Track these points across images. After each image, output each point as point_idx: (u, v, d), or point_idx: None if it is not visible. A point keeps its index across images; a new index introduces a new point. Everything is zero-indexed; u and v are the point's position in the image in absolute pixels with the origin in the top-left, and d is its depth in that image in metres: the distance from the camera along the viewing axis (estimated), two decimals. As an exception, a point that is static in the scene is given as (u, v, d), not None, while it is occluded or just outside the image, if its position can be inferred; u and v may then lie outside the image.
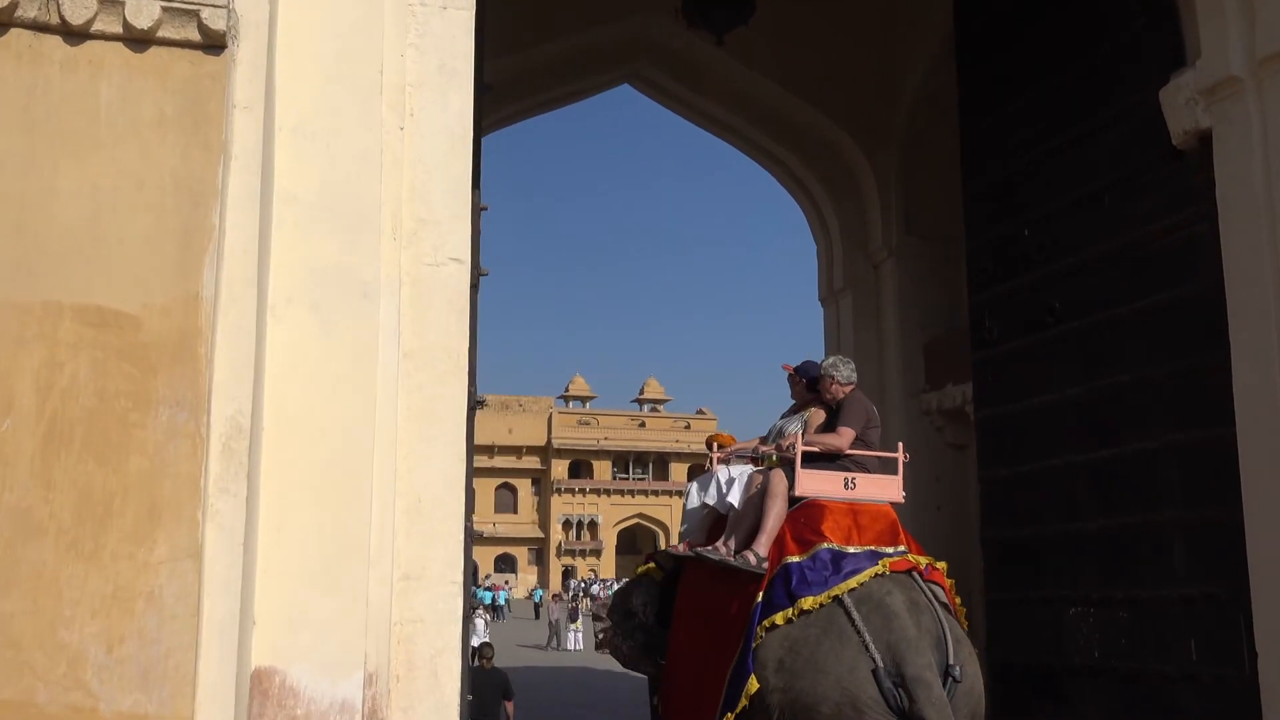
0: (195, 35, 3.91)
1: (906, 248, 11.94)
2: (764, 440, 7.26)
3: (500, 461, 72.45)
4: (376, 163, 4.68)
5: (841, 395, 6.83)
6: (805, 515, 6.32)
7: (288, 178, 4.55)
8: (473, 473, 8.40)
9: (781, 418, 7.38)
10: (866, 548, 6.07)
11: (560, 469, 74.74)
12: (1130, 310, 7.42)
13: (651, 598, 7.35)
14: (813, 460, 6.54)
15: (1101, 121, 7.66)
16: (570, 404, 79.11)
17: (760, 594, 6.06)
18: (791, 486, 6.44)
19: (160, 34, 3.90)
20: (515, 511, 75.23)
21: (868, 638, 5.63)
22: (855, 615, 5.72)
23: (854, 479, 6.48)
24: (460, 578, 4.62)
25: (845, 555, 6.00)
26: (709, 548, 6.63)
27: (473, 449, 8.42)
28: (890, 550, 6.12)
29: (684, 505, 7.54)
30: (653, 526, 74.28)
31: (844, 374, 6.85)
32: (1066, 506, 7.98)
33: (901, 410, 11.75)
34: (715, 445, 7.52)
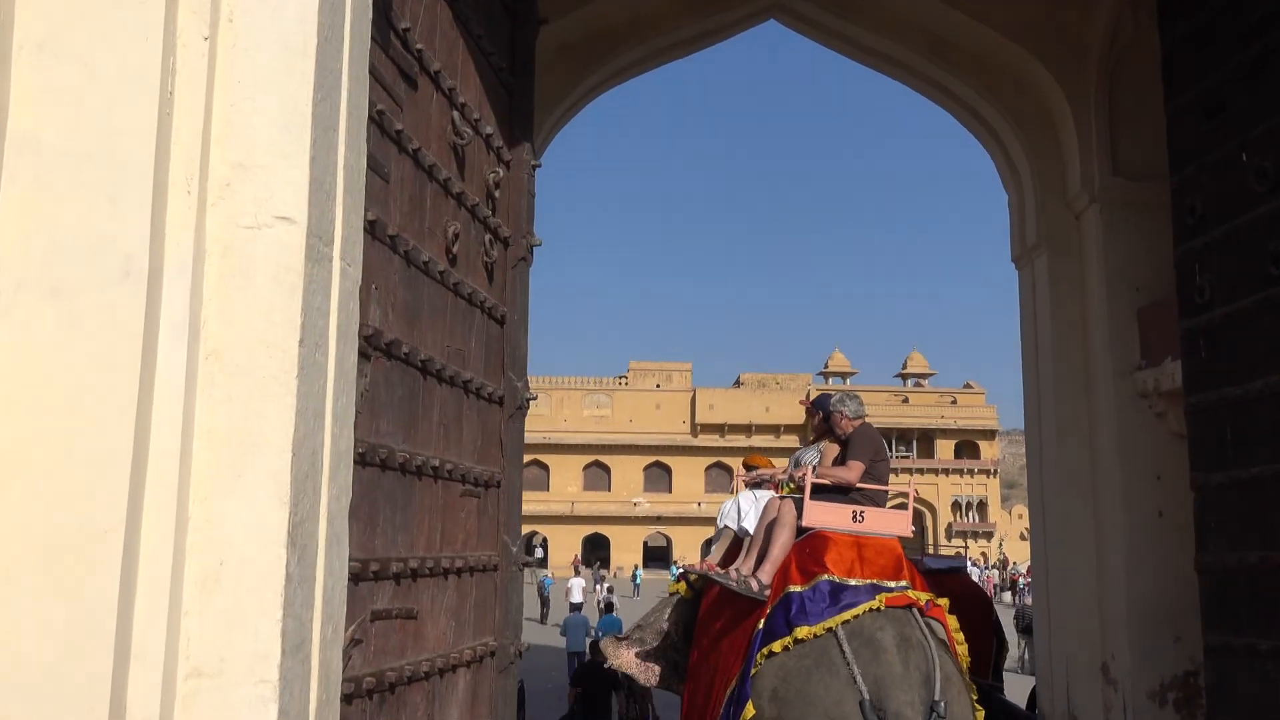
0: None
1: (1113, 191, 9.59)
2: (787, 468, 7.43)
3: (758, 440, 71.09)
4: (156, 86, 3.33)
5: (850, 429, 6.85)
6: (810, 546, 6.40)
7: (28, 115, 3.29)
8: (521, 477, 7.28)
9: (802, 448, 7.64)
10: (868, 581, 6.15)
11: (819, 447, 72.80)
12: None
13: (682, 617, 7.46)
14: (823, 492, 6.57)
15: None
16: (830, 380, 77.14)
17: (762, 621, 6.22)
18: (800, 517, 6.51)
19: None
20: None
21: (856, 671, 5.76)
22: (846, 649, 5.84)
23: (862, 512, 6.46)
24: (275, 674, 3.23)
25: (845, 588, 6.10)
26: (721, 571, 6.74)
27: (521, 453, 7.19)
28: (892, 585, 6.17)
29: (717, 523, 7.73)
30: (919, 506, 71.35)
31: (852, 409, 6.93)
32: (1305, 528, 5.80)
33: (1110, 391, 9.49)
34: (747, 466, 7.72)
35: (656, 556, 69.45)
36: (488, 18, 6.39)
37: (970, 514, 71.85)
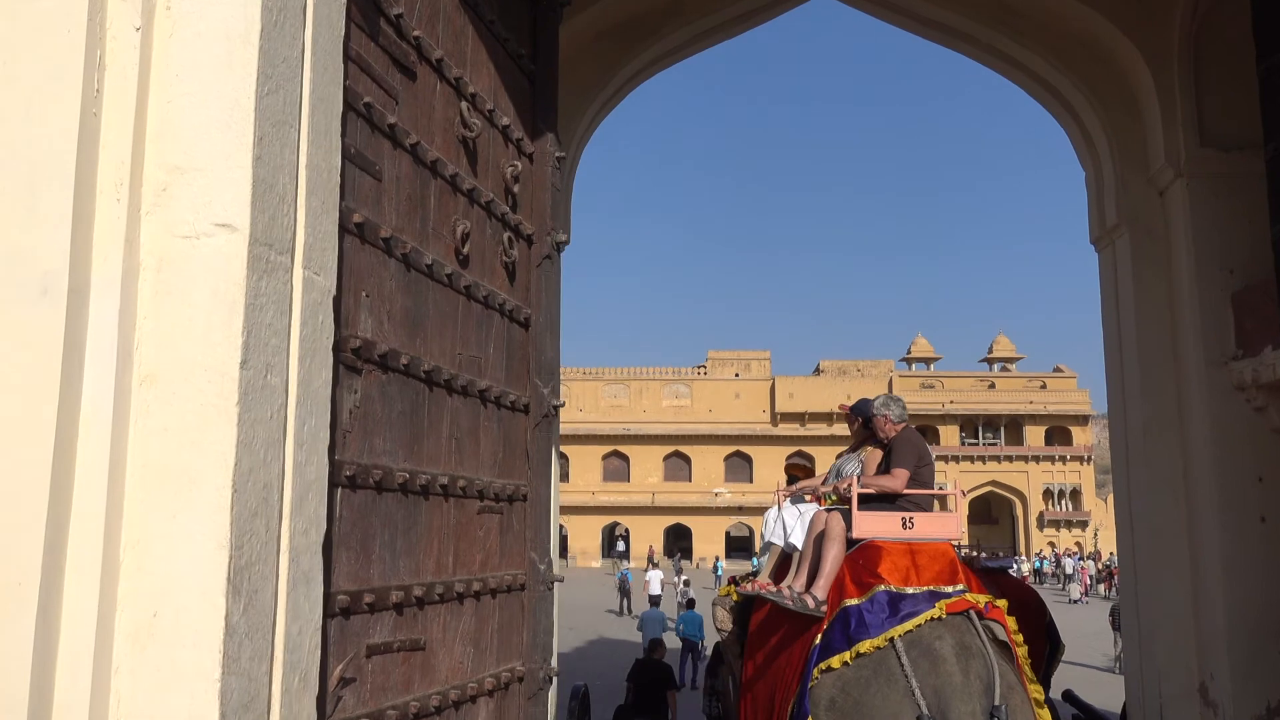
0: None
1: (1201, 164, 8.84)
2: (826, 479, 7.42)
3: (839, 429, 70.17)
4: (79, 83, 2.99)
5: (894, 433, 6.78)
6: (864, 557, 6.35)
7: (-64, 119, 2.94)
8: (557, 503, 7.04)
9: (839, 456, 7.56)
10: (925, 588, 6.10)
11: (903, 435, 71.52)
12: None
13: (736, 616, 7.52)
14: (870, 501, 6.52)
15: None
16: (913, 366, 75.98)
17: (819, 636, 6.16)
18: (849, 528, 6.47)
19: None
20: (854, 479, 72.86)
21: (914, 683, 5.68)
22: (904, 659, 5.78)
23: (911, 519, 6.43)
24: (217, 740, 2.86)
25: (903, 597, 6.03)
26: (774, 589, 6.65)
27: (550, 463, 6.77)
28: (949, 590, 6.11)
29: (762, 534, 7.69)
30: (1008, 495, 69.96)
31: (895, 412, 6.83)
32: None
33: (1203, 384, 8.75)
34: (789, 478, 7.24)
35: (739, 546, 68.95)
36: (501, 1, 5.98)
37: (1063, 503, 70.06)
